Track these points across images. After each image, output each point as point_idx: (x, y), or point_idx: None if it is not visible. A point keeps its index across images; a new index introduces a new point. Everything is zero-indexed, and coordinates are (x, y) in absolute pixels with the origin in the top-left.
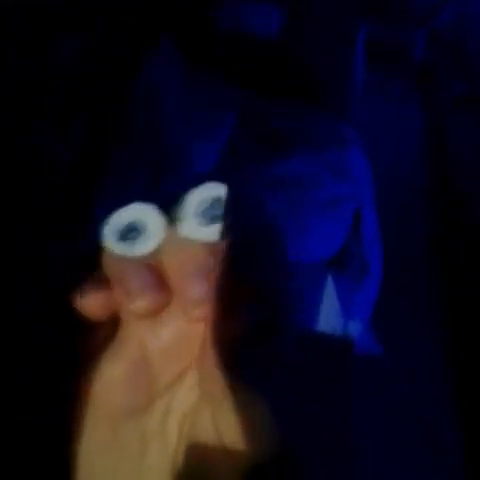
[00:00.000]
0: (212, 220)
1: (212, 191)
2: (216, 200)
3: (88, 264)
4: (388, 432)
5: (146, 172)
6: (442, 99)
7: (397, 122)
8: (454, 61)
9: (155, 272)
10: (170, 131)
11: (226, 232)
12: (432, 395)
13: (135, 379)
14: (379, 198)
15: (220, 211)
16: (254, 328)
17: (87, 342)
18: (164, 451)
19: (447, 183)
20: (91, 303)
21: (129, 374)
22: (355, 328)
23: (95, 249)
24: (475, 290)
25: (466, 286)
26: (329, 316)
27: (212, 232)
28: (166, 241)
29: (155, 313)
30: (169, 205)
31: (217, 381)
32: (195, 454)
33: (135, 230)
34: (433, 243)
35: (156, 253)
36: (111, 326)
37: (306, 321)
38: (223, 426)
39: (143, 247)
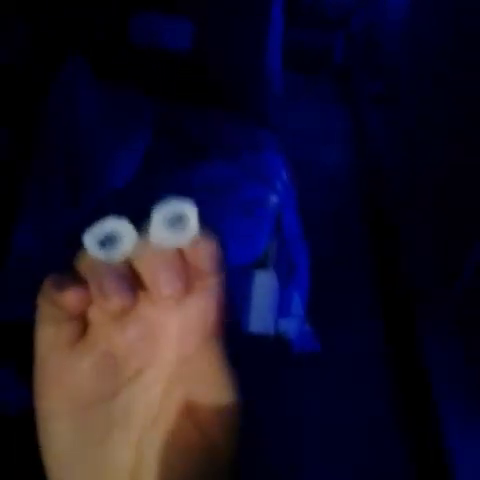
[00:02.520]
0: (175, 229)
1: (175, 206)
2: (178, 212)
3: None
4: (330, 425)
5: (65, 190)
6: (360, 98)
7: (321, 122)
8: (369, 62)
9: (128, 275)
10: (86, 147)
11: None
12: (372, 391)
13: (101, 370)
14: (307, 196)
15: (182, 221)
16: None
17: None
18: (126, 438)
19: (369, 175)
20: (71, 295)
21: (96, 365)
22: (289, 326)
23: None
24: (407, 283)
25: (398, 280)
26: (261, 316)
27: (176, 239)
28: (138, 248)
29: (127, 310)
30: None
31: (197, 362)
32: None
33: (112, 239)
34: (366, 237)
35: (129, 259)
36: (81, 321)
37: (238, 323)
38: (198, 405)
39: (118, 253)
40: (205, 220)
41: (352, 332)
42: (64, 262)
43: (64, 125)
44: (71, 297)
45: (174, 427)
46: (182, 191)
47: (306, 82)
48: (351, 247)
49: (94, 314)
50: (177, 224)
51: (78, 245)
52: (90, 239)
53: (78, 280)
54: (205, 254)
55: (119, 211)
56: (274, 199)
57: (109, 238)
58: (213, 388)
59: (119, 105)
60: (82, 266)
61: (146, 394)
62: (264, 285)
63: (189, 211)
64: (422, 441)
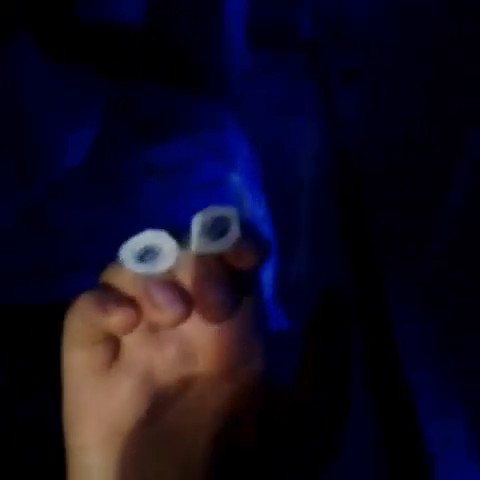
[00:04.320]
0: (215, 236)
1: (213, 212)
2: (217, 219)
3: None
4: None
5: (13, 171)
6: (329, 73)
7: (289, 98)
8: (338, 37)
9: (175, 287)
10: (36, 128)
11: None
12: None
13: (141, 393)
14: (276, 174)
15: (221, 227)
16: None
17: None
18: (170, 462)
19: (341, 153)
20: (121, 315)
21: (135, 388)
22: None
23: None
24: (375, 254)
25: (367, 252)
26: None
27: (217, 246)
28: (180, 260)
29: (181, 323)
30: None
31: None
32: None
33: (151, 252)
34: (336, 214)
35: (172, 271)
36: (114, 343)
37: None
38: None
39: (161, 266)
40: (166, 202)
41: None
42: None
43: (10, 107)
44: (120, 317)
45: (218, 444)
46: (138, 171)
47: (273, 58)
48: (319, 223)
49: (127, 335)
50: (217, 231)
51: (31, 221)
52: (127, 253)
53: (120, 298)
54: (248, 255)
55: (77, 191)
56: (236, 178)
57: (147, 251)
58: (253, 403)
59: (68, 83)
60: (120, 282)
61: (188, 415)
62: None
63: (230, 215)
64: (391, 411)
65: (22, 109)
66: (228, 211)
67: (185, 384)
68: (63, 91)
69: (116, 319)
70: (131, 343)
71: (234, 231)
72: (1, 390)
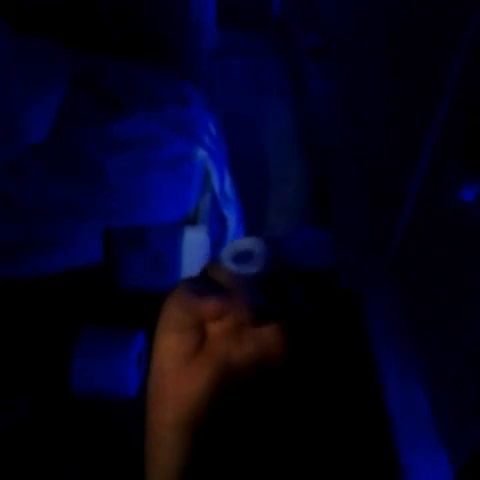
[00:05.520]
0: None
1: (246, 242)
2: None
3: None
4: None
5: None
6: (297, 52)
7: (259, 76)
8: (307, 16)
9: (262, 288)
10: None
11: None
12: None
13: (218, 382)
14: (244, 150)
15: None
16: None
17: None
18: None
19: (311, 129)
20: (214, 303)
21: (213, 376)
22: None
23: None
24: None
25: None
26: (194, 273)
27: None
28: (269, 266)
29: (261, 321)
30: None
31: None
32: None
33: (247, 255)
34: (304, 191)
35: (262, 274)
36: (201, 332)
37: (170, 284)
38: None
39: (254, 269)
40: (128, 177)
41: None
42: None
43: None
44: (214, 305)
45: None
46: (101, 147)
47: (243, 38)
48: (287, 205)
49: (213, 327)
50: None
51: None
52: (228, 254)
53: (215, 288)
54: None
55: (39, 168)
56: (202, 154)
57: (245, 254)
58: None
59: (31, 56)
60: (218, 276)
61: (255, 410)
62: (196, 242)
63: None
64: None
65: None
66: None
67: (255, 379)
68: (26, 63)
69: (210, 305)
70: (216, 335)
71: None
72: None
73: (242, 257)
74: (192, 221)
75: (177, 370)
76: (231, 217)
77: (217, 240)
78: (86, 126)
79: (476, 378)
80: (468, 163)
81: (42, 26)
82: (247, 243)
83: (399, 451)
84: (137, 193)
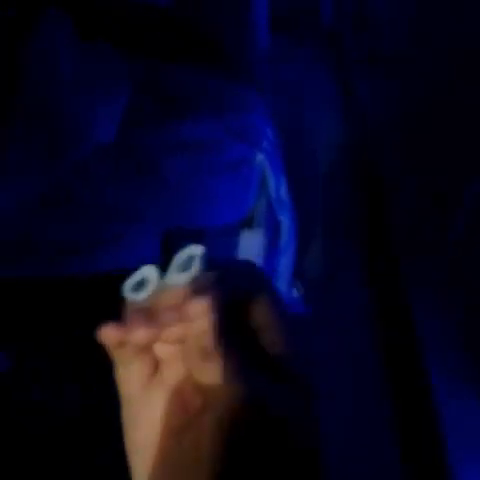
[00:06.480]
0: (183, 270)
1: (189, 250)
2: (190, 256)
3: None
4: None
5: (46, 145)
6: (349, 60)
7: (308, 85)
8: (358, 26)
9: (149, 312)
10: (67, 101)
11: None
12: (361, 350)
13: (173, 405)
14: (294, 159)
15: (191, 263)
16: None
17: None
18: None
19: (361, 136)
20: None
21: (167, 400)
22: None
23: None
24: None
25: (389, 244)
26: None
27: (180, 279)
28: (158, 290)
29: (147, 343)
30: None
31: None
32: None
33: (142, 283)
34: (355, 198)
35: (154, 298)
36: (152, 359)
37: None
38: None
39: (144, 295)
40: (188, 180)
41: (339, 291)
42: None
43: (44, 81)
44: (139, 335)
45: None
46: (164, 148)
47: (294, 44)
48: (339, 211)
49: (162, 351)
50: (187, 266)
51: (52, 205)
52: (126, 284)
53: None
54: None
55: (104, 169)
56: (260, 158)
57: (141, 283)
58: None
59: (98, 60)
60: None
61: (210, 433)
62: (251, 245)
63: (197, 254)
64: (410, 395)
65: (56, 83)
66: (196, 250)
67: (208, 402)
68: (94, 67)
69: (136, 336)
70: (167, 360)
71: (195, 267)
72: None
73: (139, 285)
74: (248, 224)
75: (138, 398)
76: (285, 222)
77: (271, 245)
78: (150, 129)
79: None
80: None
81: (106, 32)
82: (144, 271)
83: (452, 467)
84: (197, 195)
